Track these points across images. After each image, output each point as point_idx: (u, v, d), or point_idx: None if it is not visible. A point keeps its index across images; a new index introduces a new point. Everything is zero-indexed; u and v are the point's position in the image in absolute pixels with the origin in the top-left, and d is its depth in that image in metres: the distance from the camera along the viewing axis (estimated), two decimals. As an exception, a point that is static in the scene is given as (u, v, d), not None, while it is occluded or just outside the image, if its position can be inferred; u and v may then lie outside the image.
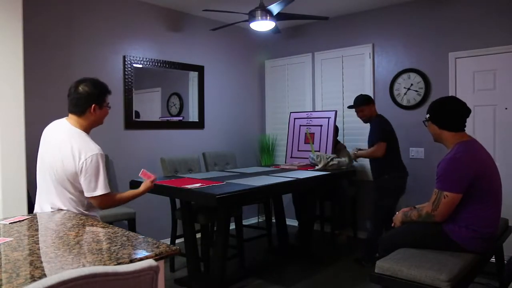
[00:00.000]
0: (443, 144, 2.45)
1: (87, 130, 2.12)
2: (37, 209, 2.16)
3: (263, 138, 5.45)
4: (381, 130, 3.70)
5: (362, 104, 3.82)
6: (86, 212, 2.10)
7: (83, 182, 1.98)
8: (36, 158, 2.24)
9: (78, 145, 1.99)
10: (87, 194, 2.00)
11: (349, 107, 4.00)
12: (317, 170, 3.86)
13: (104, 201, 2.04)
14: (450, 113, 2.37)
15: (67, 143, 2.00)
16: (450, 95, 3.94)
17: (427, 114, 2.47)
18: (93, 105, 2.06)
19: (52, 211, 2.08)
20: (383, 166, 3.70)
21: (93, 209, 2.14)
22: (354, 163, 4.50)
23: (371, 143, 3.73)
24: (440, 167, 2.28)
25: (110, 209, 2.32)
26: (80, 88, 2.07)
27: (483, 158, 2.33)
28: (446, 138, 2.39)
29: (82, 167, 1.96)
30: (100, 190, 1.99)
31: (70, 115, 2.12)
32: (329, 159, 3.94)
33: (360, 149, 3.93)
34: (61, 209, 2.07)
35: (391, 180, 3.67)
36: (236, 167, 4.43)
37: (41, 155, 2.17)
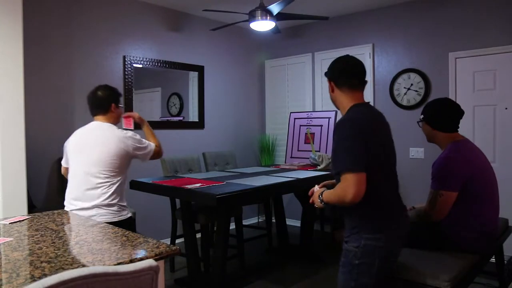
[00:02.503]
0: (436, 144, 2.47)
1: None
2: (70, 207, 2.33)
3: (263, 138, 5.45)
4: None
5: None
6: (121, 203, 2.37)
7: (140, 153, 2.42)
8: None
9: (120, 134, 2.36)
10: (147, 158, 2.47)
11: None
12: (319, 170, 3.85)
13: (157, 151, 2.54)
14: (443, 115, 2.39)
15: (113, 136, 2.33)
16: (450, 95, 3.95)
17: (421, 114, 2.49)
18: (112, 104, 2.42)
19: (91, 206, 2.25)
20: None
21: (124, 200, 2.44)
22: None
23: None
24: (435, 167, 2.30)
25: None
26: (99, 93, 2.42)
27: (477, 157, 2.34)
28: (439, 139, 2.42)
29: (133, 145, 2.38)
30: (151, 146, 2.49)
31: (96, 117, 2.44)
32: (330, 159, 3.93)
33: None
34: (99, 206, 2.28)
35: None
36: (236, 167, 4.43)
37: (81, 156, 2.33)
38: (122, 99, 2.55)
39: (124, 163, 2.37)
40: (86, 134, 2.39)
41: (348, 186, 1.67)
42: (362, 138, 1.73)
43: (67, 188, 2.39)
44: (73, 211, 2.26)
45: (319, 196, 1.89)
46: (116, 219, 2.29)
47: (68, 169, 2.43)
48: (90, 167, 2.29)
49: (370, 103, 1.99)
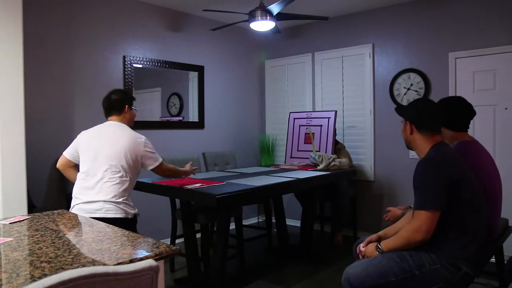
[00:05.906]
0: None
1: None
2: (77, 201, 2.36)
3: (263, 138, 5.45)
4: None
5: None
6: (128, 202, 2.43)
7: (146, 159, 2.48)
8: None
9: (134, 134, 2.48)
10: (152, 166, 2.51)
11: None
12: (319, 170, 3.85)
13: (164, 168, 2.59)
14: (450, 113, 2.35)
15: (126, 135, 2.44)
16: (450, 95, 3.94)
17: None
18: (126, 106, 2.54)
19: (98, 201, 2.30)
20: None
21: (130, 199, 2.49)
22: (354, 163, 4.51)
23: None
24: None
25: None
26: (113, 96, 2.55)
27: (484, 160, 2.30)
28: (445, 137, 2.38)
29: (144, 149, 2.46)
30: (159, 159, 2.54)
31: (110, 117, 2.54)
32: (330, 160, 3.94)
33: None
34: (107, 201, 2.32)
35: None
36: (236, 167, 4.43)
37: (94, 152, 2.39)
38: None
39: (134, 163, 2.43)
40: (102, 130, 2.47)
41: (421, 224, 1.73)
42: (442, 177, 1.77)
43: (76, 181, 2.44)
44: (79, 205, 2.32)
45: (376, 248, 1.93)
46: (120, 215, 2.33)
47: (70, 162, 2.50)
48: (104, 161, 2.36)
49: (446, 143, 2.02)
